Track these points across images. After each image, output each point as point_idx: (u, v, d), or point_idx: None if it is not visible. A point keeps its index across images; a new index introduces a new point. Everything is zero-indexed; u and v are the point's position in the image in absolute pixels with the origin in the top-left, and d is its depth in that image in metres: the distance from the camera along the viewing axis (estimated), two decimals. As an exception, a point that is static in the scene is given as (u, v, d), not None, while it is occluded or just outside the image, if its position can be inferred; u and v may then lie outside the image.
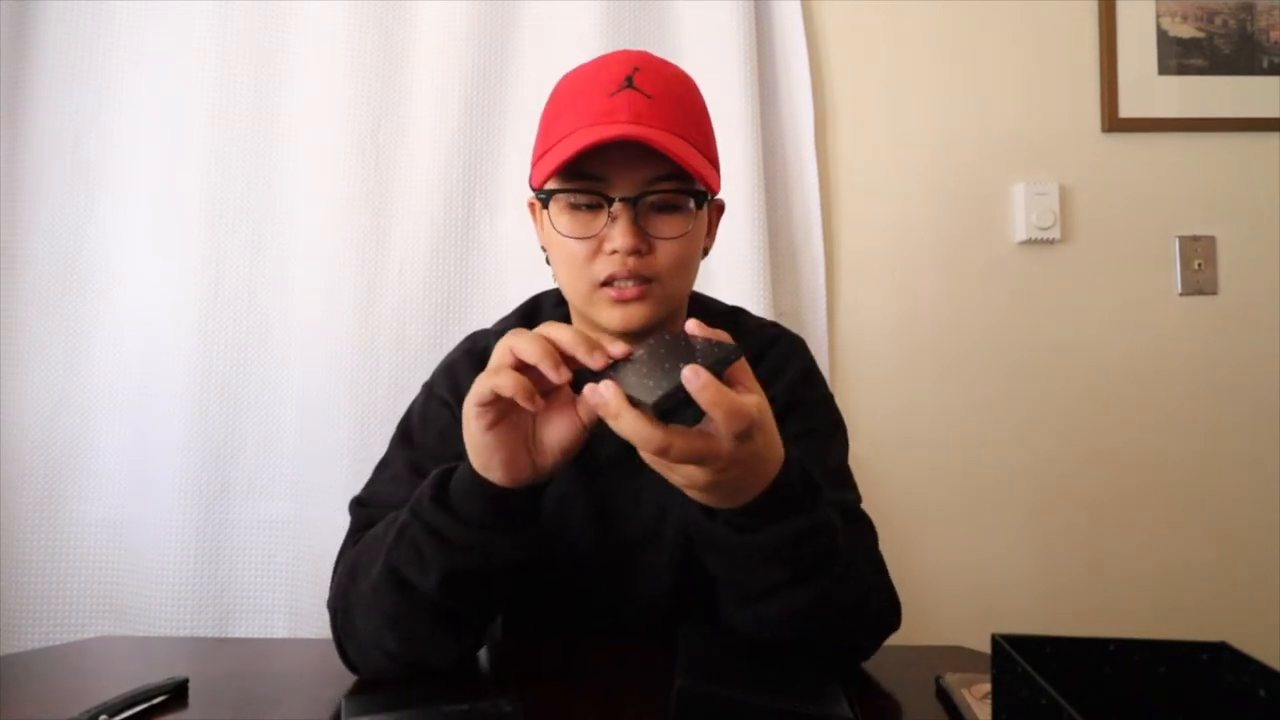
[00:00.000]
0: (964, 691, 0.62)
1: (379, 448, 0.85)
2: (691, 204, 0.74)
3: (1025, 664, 0.43)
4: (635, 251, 0.72)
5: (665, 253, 0.73)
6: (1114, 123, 1.48)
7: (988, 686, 0.59)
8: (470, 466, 0.61)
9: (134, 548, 1.35)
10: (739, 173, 1.38)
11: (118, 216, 1.39)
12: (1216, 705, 0.46)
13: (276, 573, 1.35)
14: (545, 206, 0.75)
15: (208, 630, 1.32)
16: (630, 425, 0.51)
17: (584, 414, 0.59)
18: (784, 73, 1.46)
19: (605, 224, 0.72)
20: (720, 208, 0.85)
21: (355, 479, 1.25)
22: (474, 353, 0.86)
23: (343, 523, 0.78)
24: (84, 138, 1.39)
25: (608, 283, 0.73)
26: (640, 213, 0.72)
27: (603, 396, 0.52)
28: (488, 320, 0.93)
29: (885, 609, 0.74)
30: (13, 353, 1.36)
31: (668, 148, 0.69)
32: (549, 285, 0.85)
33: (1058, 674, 0.44)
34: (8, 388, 1.35)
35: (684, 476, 0.55)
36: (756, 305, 1.35)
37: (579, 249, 0.74)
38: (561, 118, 0.75)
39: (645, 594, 0.80)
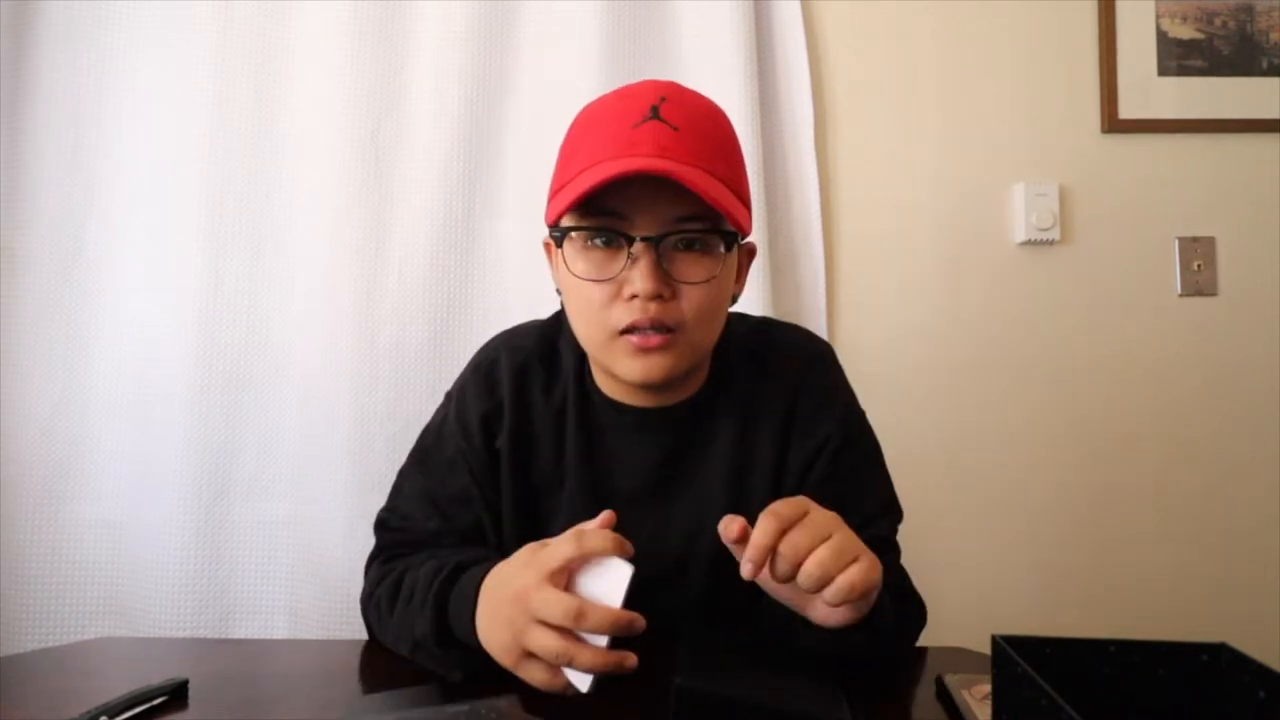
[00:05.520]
0: (964, 692, 0.62)
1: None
2: (721, 246, 0.68)
3: (1025, 664, 0.43)
4: (657, 296, 0.65)
5: (691, 299, 0.67)
6: (1114, 124, 1.48)
7: (988, 687, 0.59)
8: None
9: (134, 548, 1.34)
10: (739, 173, 1.37)
11: (118, 216, 1.39)
12: (1216, 706, 0.46)
13: (276, 573, 1.35)
14: (560, 245, 0.69)
15: (208, 630, 1.31)
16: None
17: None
18: (784, 73, 1.46)
19: (625, 265, 0.66)
20: (751, 251, 0.78)
21: (355, 479, 1.26)
22: (481, 368, 0.81)
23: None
24: (84, 137, 1.39)
25: (628, 330, 0.67)
26: (664, 254, 0.66)
27: None
28: (488, 320, 0.93)
29: (918, 613, 0.78)
30: (13, 353, 1.36)
31: (695, 184, 0.63)
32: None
33: (1058, 675, 0.44)
34: (8, 388, 1.35)
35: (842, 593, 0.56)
36: (756, 305, 1.34)
37: (596, 293, 0.67)
38: (580, 150, 0.70)
39: (670, 626, 0.79)
